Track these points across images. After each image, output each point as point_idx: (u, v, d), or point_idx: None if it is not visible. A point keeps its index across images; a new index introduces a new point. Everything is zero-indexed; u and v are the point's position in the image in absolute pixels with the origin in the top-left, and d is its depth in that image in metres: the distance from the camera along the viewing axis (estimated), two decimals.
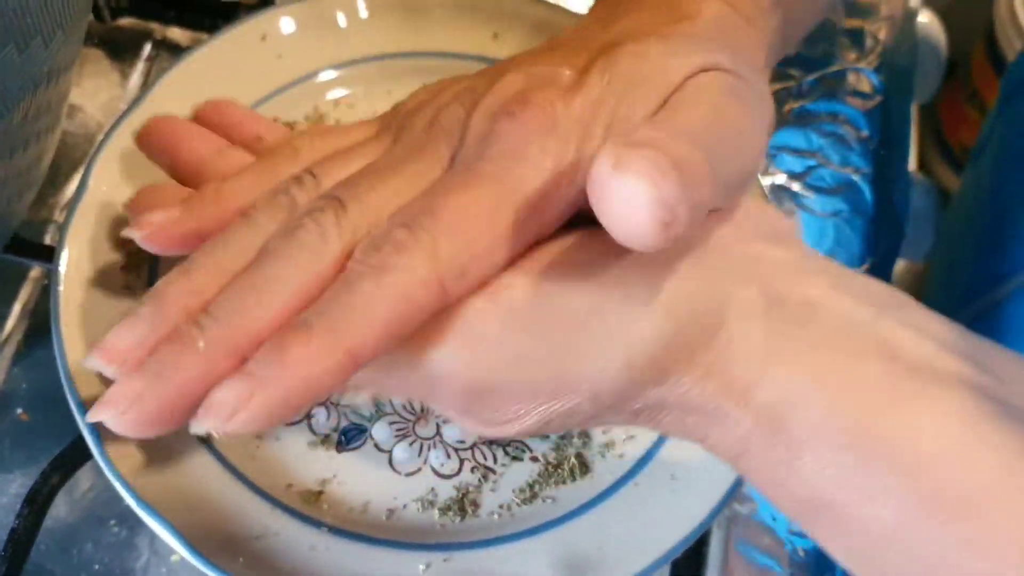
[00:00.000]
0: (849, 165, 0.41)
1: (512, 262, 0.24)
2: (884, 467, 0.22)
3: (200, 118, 0.31)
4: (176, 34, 0.44)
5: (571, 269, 0.23)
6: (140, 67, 0.44)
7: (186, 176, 0.29)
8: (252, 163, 0.28)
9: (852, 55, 0.44)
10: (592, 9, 0.30)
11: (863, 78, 0.44)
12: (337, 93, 0.36)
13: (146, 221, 0.26)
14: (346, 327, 0.22)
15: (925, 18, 0.51)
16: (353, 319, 0.22)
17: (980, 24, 0.72)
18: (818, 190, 0.41)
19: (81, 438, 0.30)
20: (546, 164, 0.24)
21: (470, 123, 0.25)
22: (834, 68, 0.43)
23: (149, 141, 0.30)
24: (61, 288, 0.30)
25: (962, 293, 0.41)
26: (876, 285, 0.25)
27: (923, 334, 0.23)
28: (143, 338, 0.23)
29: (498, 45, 0.38)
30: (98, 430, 0.28)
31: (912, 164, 0.57)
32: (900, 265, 0.52)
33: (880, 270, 0.40)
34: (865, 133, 0.42)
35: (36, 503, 0.32)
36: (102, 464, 0.28)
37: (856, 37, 0.45)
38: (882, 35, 0.45)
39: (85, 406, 0.28)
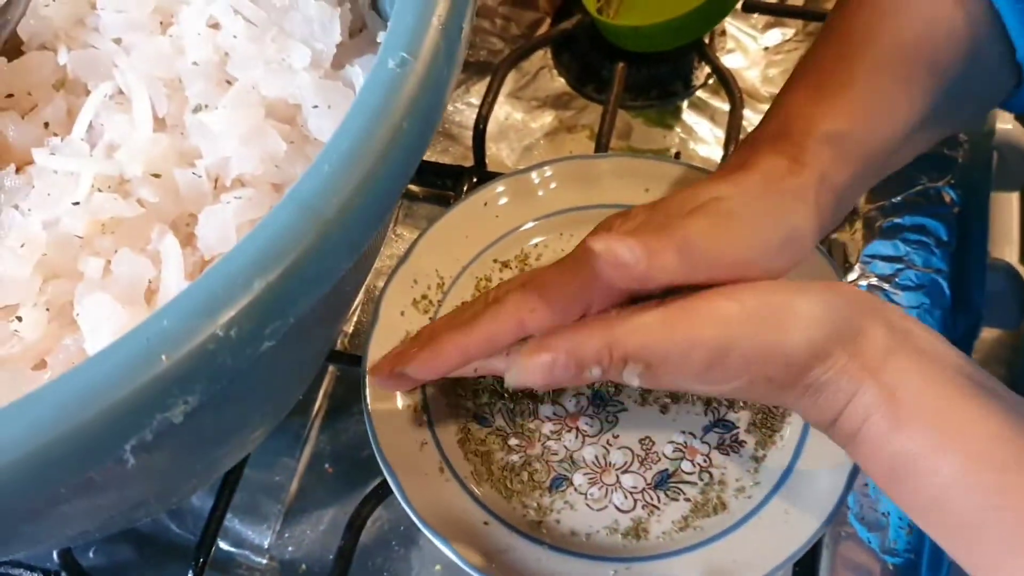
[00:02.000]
0: (931, 267, 0.52)
1: (568, 315, 0.39)
2: (950, 437, 0.34)
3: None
4: (414, 188, 0.60)
5: (774, 288, 0.37)
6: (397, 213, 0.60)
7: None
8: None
9: (933, 176, 0.55)
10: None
11: (943, 193, 0.55)
12: (535, 240, 0.51)
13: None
14: (468, 334, 0.40)
15: (1007, 124, 0.61)
16: (472, 332, 0.40)
17: None
18: (905, 288, 0.52)
19: (381, 485, 0.46)
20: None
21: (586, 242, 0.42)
22: (917, 188, 0.55)
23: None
24: (368, 391, 0.46)
25: None
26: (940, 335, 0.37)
27: (975, 364, 0.36)
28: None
29: (648, 196, 0.51)
30: (400, 483, 0.44)
31: (1015, 255, 0.65)
32: (997, 334, 0.61)
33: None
34: (944, 239, 0.53)
35: (353, 528, 0.47)
36: (402, 502, 0.43)
37: (936, 161, 0.56)
38: (960, 157, 0.56)
39: (392, 468, 0.44)
